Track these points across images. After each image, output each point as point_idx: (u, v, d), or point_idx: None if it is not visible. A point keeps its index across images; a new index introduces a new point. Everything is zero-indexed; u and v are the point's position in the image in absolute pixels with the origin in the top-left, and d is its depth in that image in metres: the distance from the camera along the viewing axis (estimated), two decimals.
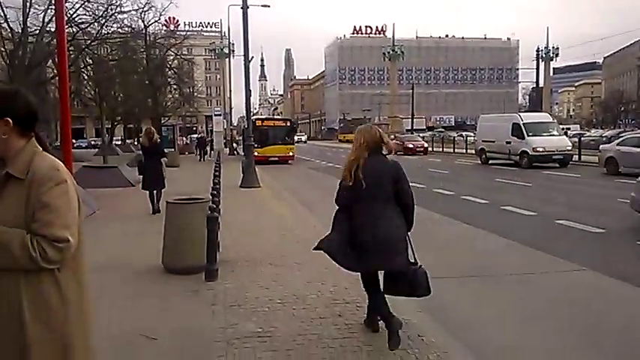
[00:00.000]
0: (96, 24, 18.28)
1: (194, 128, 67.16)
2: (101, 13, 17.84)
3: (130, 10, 19.46)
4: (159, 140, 11.85)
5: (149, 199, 10.78)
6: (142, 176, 11.10)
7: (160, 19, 29.92)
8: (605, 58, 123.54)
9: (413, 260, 4.23)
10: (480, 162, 26.05)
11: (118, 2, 18.43)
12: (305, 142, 70.99)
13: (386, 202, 4.04)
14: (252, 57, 16.83)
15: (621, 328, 4.65)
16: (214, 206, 5.77)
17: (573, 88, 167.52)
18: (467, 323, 4.77)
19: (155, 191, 10.76)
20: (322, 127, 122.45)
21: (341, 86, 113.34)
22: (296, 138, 57.52)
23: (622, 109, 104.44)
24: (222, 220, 8.87)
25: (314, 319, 4.47)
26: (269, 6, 31.35)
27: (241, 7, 15.43)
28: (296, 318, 4.51)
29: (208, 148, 36.66)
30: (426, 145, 37.43)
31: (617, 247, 7.51)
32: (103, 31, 19.76)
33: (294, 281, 5.58)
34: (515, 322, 4.85)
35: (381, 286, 4.16)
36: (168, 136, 35.82)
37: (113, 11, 18.31)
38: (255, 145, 22.11)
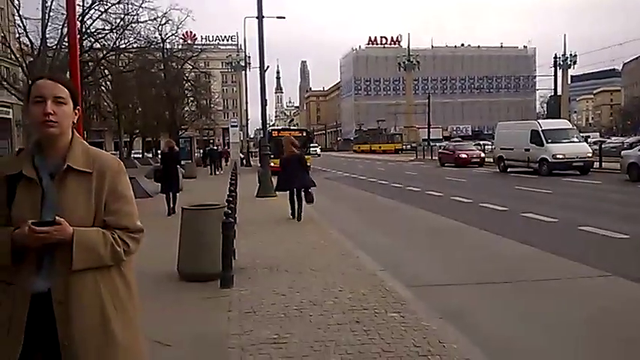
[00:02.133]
0: (113, 34, 18.53)
1: (211, 140, 67.78)
2: (117, 23, 18.06)
3: (146, 21, 19.64)
4: (177, 149, 13.19)
5: (166, 202, 11.96)
6: (159, 183, 12.31)
7: (177, 32, 30.24)
8: (624, 64, 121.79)
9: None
10: (498, 170, 25.72)
11: (135, 12, 18.61)
12: (319, 155, 64.73)
13: (297, 169, 10.62)
14: (268, 66, 16.96)
15: None
16: (229, 212, 5.72)
17: (592, 96, 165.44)
18: (489, 330, 4.62)
19: (172, 194, 11.91)
20: (338, 138, 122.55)
21: (356, 97, 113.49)
22: (311, 150, 57.60)
23: None
24: (238, 229, 8.89)
25: (331, 326, 4.36)
26: (284, 17, 31.53)
27: (257, 17, 15.52)
28: (312, 324, 4.41)
29: (223, 160, 36.60)
30: (483, 155, 32.17)
31: None
32: (120, 42, 20.01)
33: (310, 288, 5.49)
34: (539, 329, 4.68)
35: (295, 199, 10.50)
36: (185, 148, 36.09)
37: (129, 21, 18.51)
38: (272, 156, 22.24)
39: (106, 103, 30.17)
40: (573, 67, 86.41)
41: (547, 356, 4.14)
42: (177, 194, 12.20)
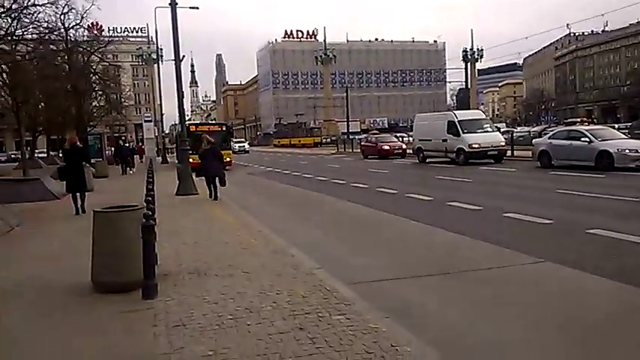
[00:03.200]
0: (7, 19, 16.65)
1: (123, 137, 64.44)
2: (9, 5, 16.18)
3: (44, 4, 17.66)
4: (80, 145, 12.47)
5: (73, 202, 11.39)
6: (64, 181, 11.71)
7: (81, 22, 28.06)
8: (524, 59, 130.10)
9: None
10: (417, 161, 26.30)
11: None
12: (247, 151, 59.87)
13: (213, 160, 13.31)
14: (184, 55, 16.05)
15: (594, 320, 4.44)
16: (149, 213, 5.10)
17: (497, 89, 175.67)
18: (437, 325, 4.40)
19: (79, 194, 11.48)
20: (258, 133, 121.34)
21: (275, 91, 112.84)
22: (236, 146, 55.41)
23: (543, 107, 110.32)
24: (158, 230, 8.18)
25: (272, 335, 3.93)
26: (197, 8, 30.24)
27: (169, 4, 14.60)
28: (252, 335, 3.96)
29: (137, 158, 34.67)
30: (404, 146, 32.42)
31: (568, 237, 7.44)
32: (16, 28, 18.09)
33: (245, 293, 5.01)
34: (486, 320, 4.53)
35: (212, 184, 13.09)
36: (95, 145, 33.82)
37: (24, 4, 16.61)
38: (191, 152, 21.41)
39: (3, 98, 27.42)
40: (480, 61, 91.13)
41: (502, 349, 3.96)
42: (86, 193, 11.80)
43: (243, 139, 76.74)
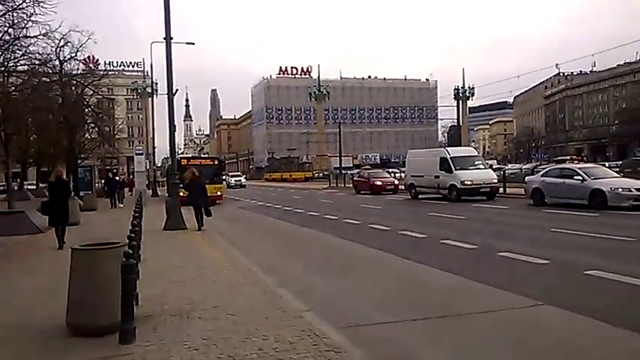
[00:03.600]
0: None
1: (114, 170, 64.13)
2: (2, 34, 16.02)
3: (37, 35, 17.50)
4: (66, 179, 12.72)
5: (56, 236, 11.21)
6: (46, 215, 11.63)
7: (77, 55, 28.12)
8: (515, 97, 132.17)
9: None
10: (410, 197, 26.17)
11: (24, 25, 16.37)
12: (244, 185, 57.29)
13: (199, 191, 14.50)
14: (177, 89, 16.04)
15: None
16: (130, 252, 4.83)
17: (488, 126, 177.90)
18: None
19: (61, 227, 11.33)
20: (250, 167, 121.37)
21: (268, 125, 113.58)
22: (232, 180, 56.29)
23: (533, 144, 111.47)
24: (142, 267, 7.88)
25: None
26: (193, 43, 30.69)
27: (164, 39, 14.61)
28: None
29: (127, 191, 34.34)
30: (396, 182, 32.29)
31: (567, 279, 7.23)
32: (8, 60, 17.97)
33: (229, 338, 4.72)
34: None
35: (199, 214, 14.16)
36: (85, 177, 33.47)
37: (16, 35, 16.43)
38: (181, 185, 21.29)
39: None
40: (471, 99, 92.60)
41: None
42: (66, 227, 11.66)
43: (239, 173, 75.79)
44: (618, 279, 6.80)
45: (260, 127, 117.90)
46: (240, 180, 59.56)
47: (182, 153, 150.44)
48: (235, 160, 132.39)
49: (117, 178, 32.92)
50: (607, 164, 33.40)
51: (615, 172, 19.67)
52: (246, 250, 10.44)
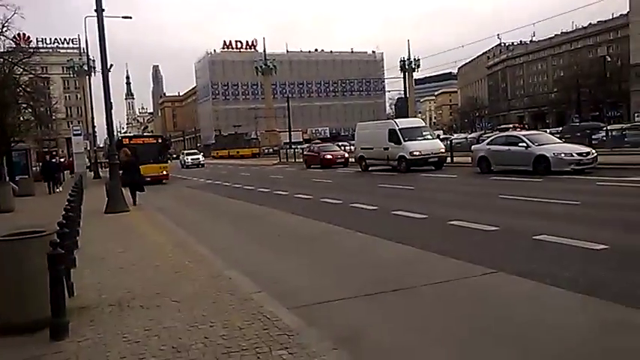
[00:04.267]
0: None
1: (53, 152, 61.14)
2: None
3: None
4: None
5: None
6: None
7: (3, 31, 26.11)
8: (459, 68, 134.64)
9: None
10: (360, 169, 26.18)
11: None
12: (202, 164, 50.53)
13: (134, 170, 15.61)
14: (112, 64, 15.16)
15: (558, 335, 4.13)
16: (57, 240, 4.38)
17: (433, 97, 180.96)
18: (393, 357, 3.96)
19: None
20: (197, 144, 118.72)
21: (214, 102, 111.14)
22: (189, 159, 50.48)
23: (477, 114, 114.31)
24: (79, 255, 7.36)
25: None
26: (131, 17, 28.95)
27: (95, 10, 13.65)
28: None
29: (67, 174, 32.77)
30: (346, 155, 32.38)
31: (517, 245, 7.26)
32: None
33: (173, 327, 4.38)
34: (443, 343, 4.13)
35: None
36: (20, 161, 31.60)
37: None
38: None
39: None
40: (417, 71, 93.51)
41: None
42: None
43: (196, 151, 63.58)
44: (566, 242, 6.88)
45: (206, 104, 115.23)
46: (197, 158, 51.56)
47: (125, 132, 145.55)
48: (182, 138, 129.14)
49: (54, 160, 31.27)
50: (548, 131, 34.52)
51: (557, 137, 20.20)
52: (194, 231, 10.00)
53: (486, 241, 7.69)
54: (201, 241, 8.51)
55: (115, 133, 18.13)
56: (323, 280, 6.28)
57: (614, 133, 26.94)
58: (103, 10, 13.83)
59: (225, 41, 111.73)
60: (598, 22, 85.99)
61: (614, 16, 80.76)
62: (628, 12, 74.29)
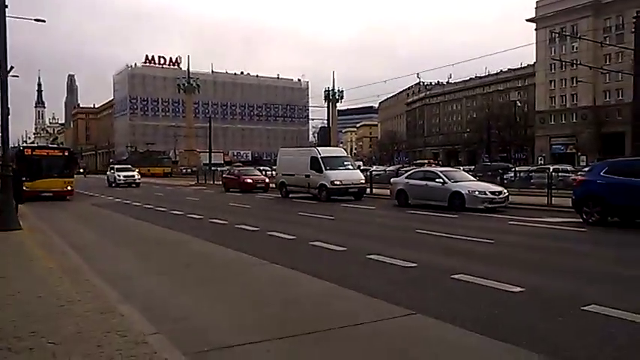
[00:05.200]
0: None
1: None
2: None
3: None
4: None
5: None
6: None
7: None
8: (380, 103, 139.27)
9: None
10: (280, 195, 25.75)
11: None
12: (138, 183, 41.72)
13: (17, 183, 14.31)
14: (12, 67, 13.82)
15: None
16: None
17: (355, 129, 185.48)
18: None
19: None
20: (110, 160, 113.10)
21: (132, 116, 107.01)
22: (121, 176, 40.84)
23: (395, 148, 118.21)
24: None
25: None
26: (44, 21, 26.99)
27: None
28: None
29: None
30: (267, 180, 31.68)
31: (436, 284, 7.07)
32: None
33: None
34: None
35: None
36: None
37: None
38: (25, 179, 18.97)
39: None
40: (341, 102, 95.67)
41: None
42: None
43: (130, 166, 48.75)
44: (484, 283, 6.79)
45: (123, 118, 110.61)
46: (132, 176, 42.08)
47: (32, 142, 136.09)
48: (94, 152, 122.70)
49: None
50: (461, 168, 36.03)
51: (471, 175, 20.93)
52: (91, 256, 9.04)
53: (404, 278, 7.47)
54: (96, 269, 7.63)
55: (20, 143, 16.58)
56: (232, 318, 5.69)
57: (521, 174, 28.54)
58: (6, 6, 12.59)
59: (147, 55, 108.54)
60: (508, 69, 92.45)
61: (523, 65, 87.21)
62: (534, 63, 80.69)
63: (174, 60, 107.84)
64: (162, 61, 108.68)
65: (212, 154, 64.42)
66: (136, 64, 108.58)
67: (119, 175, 41.90)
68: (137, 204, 22.93)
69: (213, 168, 50.18)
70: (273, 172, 33.32)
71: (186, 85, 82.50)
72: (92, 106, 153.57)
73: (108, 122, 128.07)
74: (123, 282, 6.93)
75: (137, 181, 42.12)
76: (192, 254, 9.96)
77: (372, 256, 8.85)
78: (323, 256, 9.32)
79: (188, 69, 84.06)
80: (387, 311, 5.71)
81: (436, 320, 5.37)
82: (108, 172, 45.31)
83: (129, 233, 13.73)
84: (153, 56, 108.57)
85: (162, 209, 19.74)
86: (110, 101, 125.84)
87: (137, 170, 45.97)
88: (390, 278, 7.49)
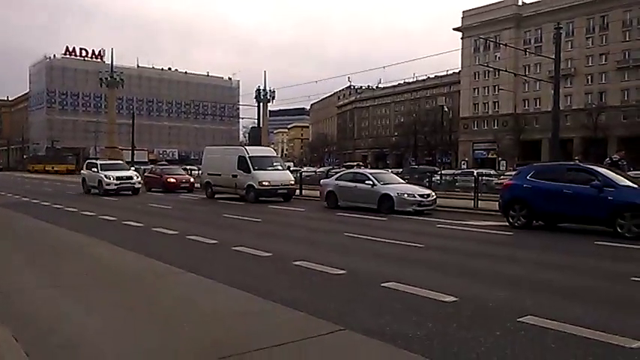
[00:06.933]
0: None
1: None
2: None
3: None
4: None
5: None
6: None
7: None
8: (311, 105, 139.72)
9: None
10: (205, 196, 24.67)
11: None
12: (137, 189, 27.62)
13: None
14: None
15: None
16: None
17: (287, 130, 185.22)
18: None
19: None
20: (24, 157, 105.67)
21: (49, 111, 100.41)
22: (113, 177, 26.56)
23: (326, 150, 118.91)
24: None
25: None
26: None
27: None
28: None
29: None
30: (192, 180, 29.97)
31: (365, 294, 6.58)
32: None
33: None
34: None
35: None
36: None
37: None
38: None
39: None
40: (272, 102, 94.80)
41: None
42: None
43: (120, 162, 36.07)
44: (415, 292, 6.39)
45: (39, 112, 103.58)
46: (129, 178, 27.73)
47: None
48: (6, 147, 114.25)
49: None
50: (389, 171, 36.37)
51: (400, 178, 20.89)
52: None
53: (332, 287, 6.95)
54: None
55: None
56: (137, 342, 4.85)
57: (447, 178, 29.09)
58: None
59: (68, 47, 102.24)
60: (435, 76, 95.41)
61: (449, 72, 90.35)
62: (460, 71, 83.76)
63: (97, 53, 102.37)
64: (84, 53, 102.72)
65: (135, 151, 61.45)
66: (55, 56, 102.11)
67: (108, 178, 26.91)
68: (45, 203, 21.03)
69: (136, 166, 47.73)
70: (200, 172, 32.05)
71: (109, 79, 78.35)
72: (5, 98, 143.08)
73: (23, 116, 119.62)
74: (12, 297, 5.90)
75: (136, 185, 27.79)
76: (96, 261, 8.84)
77: (298, 262, 8.28)
78: (247, 264, 8.62)
79: (112, 62, 79.90)
80: (313, 328, 5.11)
81: (366, 337, 4.85)
82: (85, 172, 29.67)
83: (26, 237, 12.12)
84: (74, 48, 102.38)
85: (73, 209, 18.18)
86: (26, 94, 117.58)
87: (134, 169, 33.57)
88: (317, 288, 6.94)
